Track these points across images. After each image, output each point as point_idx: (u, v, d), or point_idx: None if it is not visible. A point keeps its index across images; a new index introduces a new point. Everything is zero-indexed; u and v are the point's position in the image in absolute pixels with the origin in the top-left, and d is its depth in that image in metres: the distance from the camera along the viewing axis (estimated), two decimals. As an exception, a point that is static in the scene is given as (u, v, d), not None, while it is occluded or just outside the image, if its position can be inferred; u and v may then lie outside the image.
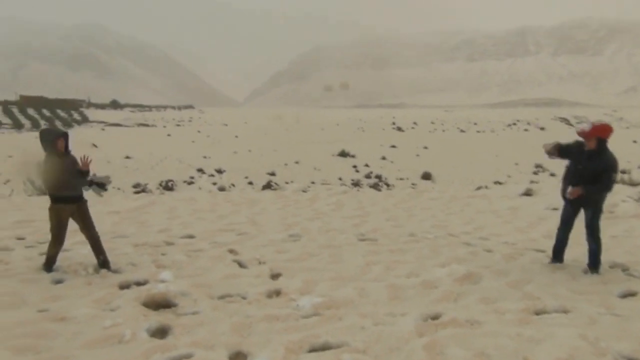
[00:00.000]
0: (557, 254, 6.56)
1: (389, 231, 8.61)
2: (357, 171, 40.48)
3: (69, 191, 6.07)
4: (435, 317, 4.66)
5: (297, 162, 42.13)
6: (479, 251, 7.14)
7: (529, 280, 5.83)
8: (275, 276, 6.06)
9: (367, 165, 42.46)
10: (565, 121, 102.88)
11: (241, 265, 6.51)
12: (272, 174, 37.21)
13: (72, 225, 8.72)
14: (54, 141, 5.96)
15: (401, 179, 39.88)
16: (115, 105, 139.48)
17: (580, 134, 6.17)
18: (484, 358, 3.79)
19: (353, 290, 5.42)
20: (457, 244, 7.59)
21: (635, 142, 50.80)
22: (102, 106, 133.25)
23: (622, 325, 4.42)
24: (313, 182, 34.52)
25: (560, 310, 4.90)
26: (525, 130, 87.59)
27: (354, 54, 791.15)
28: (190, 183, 35.65)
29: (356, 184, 34.91)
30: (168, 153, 46.06)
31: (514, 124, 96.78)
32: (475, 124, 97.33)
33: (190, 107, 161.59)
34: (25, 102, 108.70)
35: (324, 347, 4.09)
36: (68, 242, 7.47)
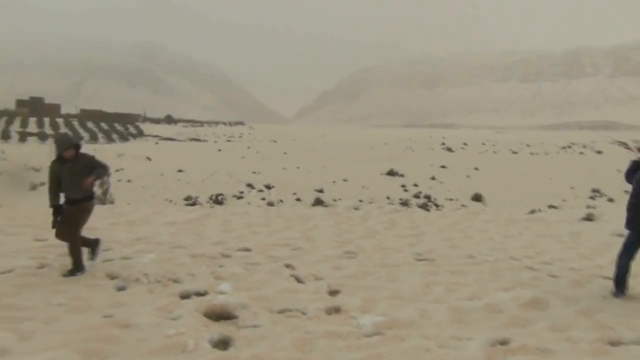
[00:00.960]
0: (620, 284, 6.12)
1: (445, 252, 8.41)
2: (406, 190, 40.11)
3: (69, 194, 6.47)
4: (503, 343, 4.47)
5: (345, 180, 42.14)
6: (543, 276, 6.86)
7: (599, 309, 5.54)
8: (333, 292, 6.00)
9: (415, 185, 42.01)
10: (624, 145, 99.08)
11: (298, 280, 6.48)
12: (320, 191, 37.33)
13: (131, 234, 8.96)
14: (63, 148, 6.38)
15: (450, 199, 39.24)
16: (169, 120, 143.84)
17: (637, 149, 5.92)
18: (559, 389, 3.59)
19: (414, 311, 5.29)
20: (520, 268, 7.32)
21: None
22: (156, 121, 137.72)
23: None
24: (361, 200, 34.44)
25: (637, 342, 4.62)
26: (581, 153, 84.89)
27: (403, 74, 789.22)
28: (239, 197, 36.18)
29: (405, 203, 34.57)
30: (219, 168, 47.03)
31: (569, 146, 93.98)
32: (528, 145, 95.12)
33: (241, 123, 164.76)
34: (85, 116, 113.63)
35: (389, 368, 3.98)
36: (129, 250, 7.68)
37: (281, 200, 34.65)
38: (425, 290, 6.14)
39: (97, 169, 6.56)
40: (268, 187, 38.59)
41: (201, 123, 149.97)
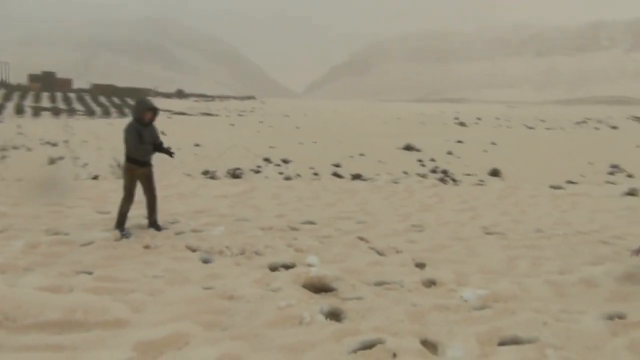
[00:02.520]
0: None
1: (511, 226, 8.33)
2: (423, 165, 39.89)
3: (140, 156, 6.94)
4: (620, 317, 4.41)
5: (361, 155, 42.00)
6: (622, 251, 6.76)
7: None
8: (420, 265, 5.95)
9: (432, 160, 41.77)
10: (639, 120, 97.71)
11: (379, 253, 6.44)
12: (338, 166, 37.22)
13: (188, 207, 8.95)
14: (143, 111, 6.90)
15: (468, 174, 39.04)
16: (180, 94, 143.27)
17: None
18: (699, 363, 3.53)
19: (512, 285, 5.23)
20: (594, 242, 7.23)
21: None
22: (168, 95, 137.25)
23: None
24: (378, 174, 34.32)
25: None
26: (596, 128, 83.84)
27: (415, 48, 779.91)
28: (257, 172, 36.23)
29: (423, 177, 34.38)
30: (234, 142, 46.90)
31: (584, 122, 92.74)
32: (542, 120, 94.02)
33: (252, 97, 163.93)
34: (97, 91, 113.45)
35: (516, 341, 3.93)
36: (196, 222, 7.66)
37: (299, 175, 34.64)
38: (511, 264, 6.08)
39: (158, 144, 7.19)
40: (285, 161, 38.45)
41: (212, 97, 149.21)
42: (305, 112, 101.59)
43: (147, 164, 7.11)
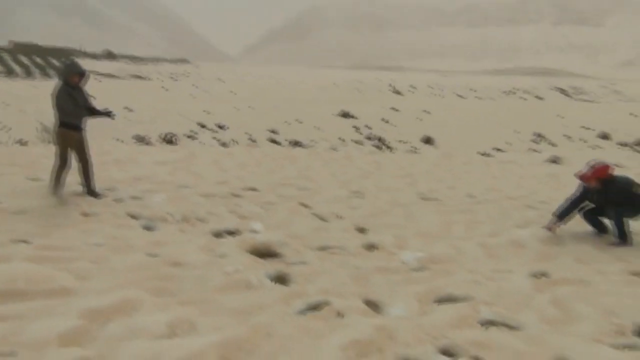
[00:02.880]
0: (598, 227, 6.40)
1: (446, 192, 8.72)
2: (359, 132, 40.48)
3: (75, 119, 6.80)
4: (544, 275, 4.78)
5: (298, 121, 42.04)
6: (547, 214, 7.24)
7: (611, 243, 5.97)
8: (361, 230, 6.16)
9: (368, 127, 42.43)
10: (563, 92, 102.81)
11: (322, 218, 6.59)
12: (274, 132, 37.13)
13: (127, 174, 8.76)
14: (71, 75, 6.76)
15: (403, 142, 40.01)
16: (109, 55, 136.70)
17: (580, 178, 6.23)
18: (612, 315, 3.92)
19: (448, 248, 5.54)
20: (522, 207, 7.71)
21: (632, 115, 51.00)
22: (95, 56, 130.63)
23: None
24: (313, 140, 34.57)
25: (658, 273, 5.04)
26: (523, 99, 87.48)
27: (351, 14, 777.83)
28: (192, 138, 35.56)
29: (358, 144, 34.95)
30: (168, 107, 45.67)
31: (512, 92, 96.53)
32: (473, 90, 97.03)
33: (186, 61, 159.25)
34: (17, 49, 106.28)
35: (451, 299, 4.20)
36: (136, 189, 7.53)
37: (235, 141, 34.25)
38: (447, 228, 6.41)
39: (91, 107, 7.06)
40: (221, 127, 37.87)
41: (143, 60, 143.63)
42: (241, 78, 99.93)
43: (80, 129, 6.96)
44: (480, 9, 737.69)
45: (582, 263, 5.24)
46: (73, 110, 6.73)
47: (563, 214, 6.28)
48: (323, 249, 5.39)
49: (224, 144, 30.05)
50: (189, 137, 34.59)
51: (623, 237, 6.00)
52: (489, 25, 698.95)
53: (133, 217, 6.20)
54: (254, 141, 34.50)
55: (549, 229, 6.21)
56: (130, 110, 40.67)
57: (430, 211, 7.20)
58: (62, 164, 6.84)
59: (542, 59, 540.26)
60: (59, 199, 6.63)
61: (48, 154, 10.42)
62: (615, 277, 4.83)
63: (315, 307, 3.92)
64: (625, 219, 6.03)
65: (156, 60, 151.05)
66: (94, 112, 6.99)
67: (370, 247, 5.53)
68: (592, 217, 6.41)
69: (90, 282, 4.20)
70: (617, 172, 6.46)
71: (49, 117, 6.84)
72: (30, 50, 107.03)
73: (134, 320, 3.59)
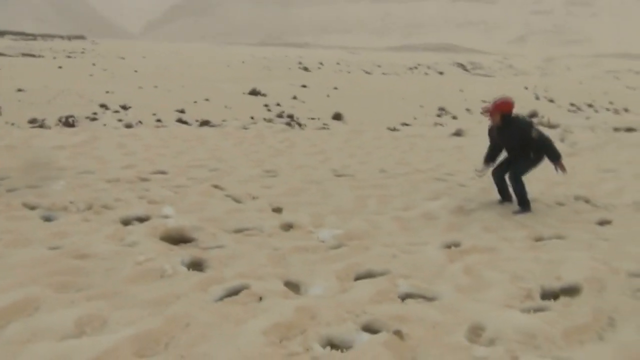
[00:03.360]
0: (503, 194, 6.71)
1: (358, 168, 8.83)
2: (269, 110, 40.23)
3: None
4: (455, 245, 4.97)
5: (206, 100, 41.02)
6: (455, 186, 7.57)
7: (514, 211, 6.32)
8: (277, 210, 6.09)
9: (278, 105, 42.22)
10: (462, 67, 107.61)
11: (236, 200, 6.44)
12: (182, 112, 35.98)
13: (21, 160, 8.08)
14: None
15: (312, 118, 40.20)
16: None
17: (484, 113, 6.58)
18: (520, 280, 4.14)
19: (363, 223, 5.60)
20: (431, 180, 7.97)
21: (526, 88, 54.47)
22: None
23: (617, 248, 4.98)
24: (224, 120, 34.01)
25: (556, 237, 5.41)
26: (426, 74, 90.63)
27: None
28: (93, 119, 33.62)
29: (269, 122, 34.80)
30: (65, 87, 42.72)
31: (415, 67, 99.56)
32: (379, 66, 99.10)
33: (82, 37, 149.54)
34: None
35: (370, 275, 4.25)
36: (31, 177, 6.99)
37: (140, 122, 32.81)
38: (361, 203, 6.49)
39: None
40: (124, 107, 36.09)
41: (34, 36, 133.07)
42: (143, 55, 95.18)
43: None
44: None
45: (489, 231, 5.51)
46: None
47: (487, 157, 6.76)
48: (239, 231, 5.27)
49: (128, 125, 28.71)
50: (90, 119, 32.72)
51: (524, 205, 6.36)
52: (392, 2, 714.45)
53: (30, 207, 5.73)
54: (160, 121, 33.23)
55: (480, 172, 6.80)
56: (23, 91, 37.71)
57: (344, 187, 7.27)
58: None
59: (441, 34, 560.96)
60: None
61: None
62: (520, 244, 5.12)
63: (233, 292, 3.81)
64: (522, 183, 6.36)
65: (48, 36, 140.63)
66: None
67: (287, 226, 5.48)
68: (499, 177, 6.65)
69: (-17, 281, 3.82)
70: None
71: None
72: None
73: (36, 320, 3.32)
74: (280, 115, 35.81)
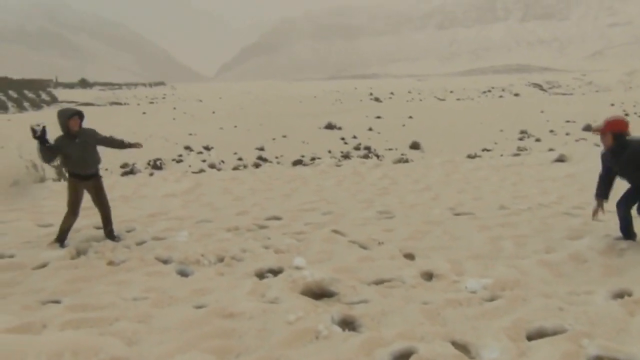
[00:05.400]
0: (627, 232, 6.02)
1: (474, 205, 8.39)
2: (346, 143, 40.22)
3: (79, 169, 6.37)
4: (628, 294, 4.42)
5: (284, 136, 41.70)
6: (589, 221, 6.95)
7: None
8: (408, 256, 5.79)
9: (354, 137, 42.21)
10: (539, 87, 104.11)
11: (362, 246, 6.20)
12: (261, 149, 36.67)
13: (139, 211, 8.28)
14: (66, 122, 6.21)
15: (390, 149, 39.92)
16: (84, 84, 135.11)
17: (595, 132, 5.91)
18: None
19: (509, 269, 5.18)
20: (560, 215, 7.40)
21: (613, 105, 51.59)
22: (70, 85, 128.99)
23: None
24: (303, 156, 34.21)
25: None
26: (500, 96, 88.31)
27: (322, 25, 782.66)
28: (179, 161, 34.95)
29: (346, 156, 34.68)
30: (150, 131, 44.94)
31: (489, 90, 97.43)
32: (451, 92, 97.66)
33: (162, 83, 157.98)
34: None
35: (544, 333, 3.83)
36: (154, 228, 7.09)
37: (222, 161, 33.72)
38: (496, 246, 6.06)
39: (111, 140, 6.75)
40: (207, 148, 37.27)
41: (119, 85, 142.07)
42: (219, 96, 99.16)
43: (92, 176, 6.54)
44: (447, 11, 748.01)
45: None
46: (79, 160, 6.30)
47: (599, 192, 6.09)
48: (379, 282, 5.00)
49: (212, 165, 29.55)
50: (176, 161, 34.03)
51: None
52: (458, 27, 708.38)
53: (163, 261, 5.76)
54: (241, 159, 34.04)
55: (595, 212, 6.10)
56: (113, 138, 39.84)
57: (469, 227, 6.85)
58: (72, 213, 6.40)
59: (512, 55, 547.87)
60: (76, 248, 6.16)
61: (50, 195, 9.92)
62: None
63: (402, 357, 3.53)
64: None
65: (132, 84, 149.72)
66: (120, 144, 6.74)
67: (427, 275, 5.15)
68: (625, 210, 5.94)
69: (142, 346, 3.76)
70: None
71: (32, 151, 6.52)
72: (2, 84, 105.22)
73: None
74: (357, 148, 35.75)
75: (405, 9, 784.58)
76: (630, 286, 4.61)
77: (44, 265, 5.60)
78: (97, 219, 6.77)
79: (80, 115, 6.35)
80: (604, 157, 6.05)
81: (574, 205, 8.07)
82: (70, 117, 6.22)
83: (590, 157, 14.32)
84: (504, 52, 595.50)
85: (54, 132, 6.28)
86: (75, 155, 6.24)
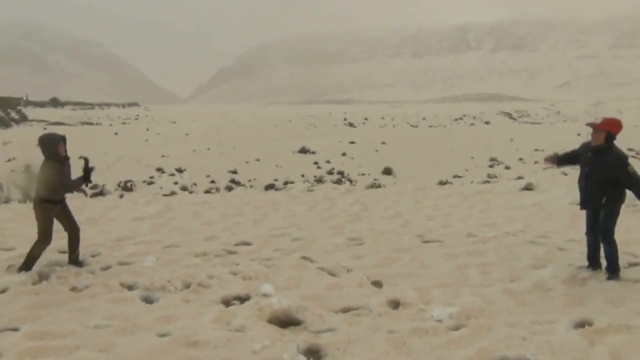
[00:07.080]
0: (592, 260, 6.14)
1: (443, 232, 8.48)
2: (319, 167, 40.31)
3: (59, 194, 6.25)
4: (589, 324, 4.50)
5: (258, 160, 41.63)
6: (554, 250, 7.11)
7: (636, 279, 5.81)
8: (377, 284, 5.80)
9: (328, 162, 42.36)
10: (508, 115, 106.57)
11: (331, 273, 6.19)
12: (234, 172, 36.47)
13: (106, 234, 8.14)
14: (56, 146, 6.07)
15: (363, 174, 40.16)
16: (55, 102, 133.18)
17: (590, 125, 5.98)
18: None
19: (474, 298, 5.23)
20: (525, 244, 7.53)
21: (579, 135, 53.02)
22: (41, 104, 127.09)
23: None
24: (276, 180, 34.19)
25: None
26: (472, 124, 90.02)
27: (298, 50, 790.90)
28: (150, 183, 34.48)
29: (319, 180, 34.73)
30: (122, 152, 44.37)
31: (461, 118, 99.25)
32: (424, 119, 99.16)
33: (135, 104, 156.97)
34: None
35: (506, 363, 3.88)
36: (120, 252, 6.99)
37: (195, 184, 33.40)
38: (463, 274, 6.12)
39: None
40: (179, 170, 36.91)
41: (91, 105, 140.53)
42: (193, 118, 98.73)
43: (63, 199, 6.42)
44: (421, 39, 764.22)
45: (616, 305, 5.04)
46: (62, 187, 6.21)
47: (559, 157, 6.39)
48: (346, 310, 5.00)
49: (184, 188, 29.22)
50: (147, 183, 33.53)
51: (616, 272, 5.84)
52: (433, 55, 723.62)
53: (128, 287, 5.66)
54: (213, 182, 33.76)
55: (546, 161, 6.43)
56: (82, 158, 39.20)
57: (437, 256, 6.92)
58: (44, 240, 6.17)
59: (484, 84, 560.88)
60: (38, 273, 6.01)
61: (13, 217, 9.69)
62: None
63: (366, 387, 3.52)
64: (616, 245, 5.82)
65: (105, 104, 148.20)
66: (79, 180, 6.47)
67: (394, 303, 5.16)
68: (594, 237, 6.02)
69: (103, 378, 3.68)
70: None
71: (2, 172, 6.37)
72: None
73: None
74: (330, 172, 35.87)
75: (381, 36, 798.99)
76: (591, 315, 4.70)
77: (3, 291, 5.45)
78: (61, 243, 6.62)
79: (64, 139, 6.25)
80: (584, 148, 6.10)
81: (539, 234, 8.23)
82: (59, 141, 6.13)
83: (556, 186, 14.66)
84: (477, 80, 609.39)
85: (23, 156, 6.19)
86: (60, 180, 6.11)
